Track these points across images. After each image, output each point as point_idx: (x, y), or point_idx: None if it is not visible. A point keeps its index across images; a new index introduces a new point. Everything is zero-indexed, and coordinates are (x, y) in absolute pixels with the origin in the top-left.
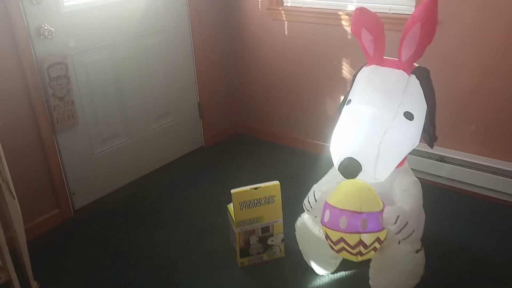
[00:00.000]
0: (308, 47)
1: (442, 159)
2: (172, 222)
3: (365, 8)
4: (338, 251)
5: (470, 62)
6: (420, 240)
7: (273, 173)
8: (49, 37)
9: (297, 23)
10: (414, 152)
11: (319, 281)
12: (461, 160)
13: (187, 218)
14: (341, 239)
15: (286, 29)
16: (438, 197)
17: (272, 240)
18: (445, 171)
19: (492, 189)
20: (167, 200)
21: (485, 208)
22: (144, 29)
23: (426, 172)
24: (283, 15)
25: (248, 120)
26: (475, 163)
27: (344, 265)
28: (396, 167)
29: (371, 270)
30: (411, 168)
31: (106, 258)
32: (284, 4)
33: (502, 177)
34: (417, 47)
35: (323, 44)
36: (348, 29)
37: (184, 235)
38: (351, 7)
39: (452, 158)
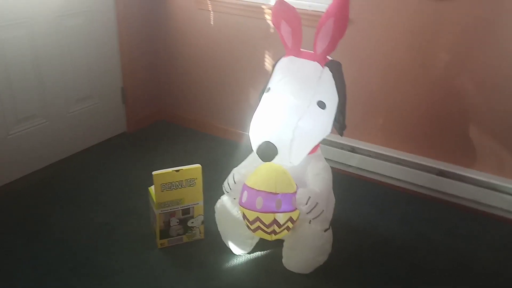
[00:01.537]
0: (232, 38)
1: (353, 149)
2: (91, 205)
3: (285, 1)
4: (254, 230)
5: (380, 60)
6: (330, 221)
7: (195, 159)
8: None
9: (223, 13)
10: (328, 143)
11: (236, 261)
12: (370, 151)
13: (107, 201)
14: (257, 219)
15: (212, 19)
16: (348, 185)
17: (192, 222)
18: (355, 161)
19: (396, 178)
20: (86, 184)
21: (389, 195)
22: (66, 9)
23: (338, 162)
24: (209, 5)
25: (172, 107)
26: (382, 154)
27: (260, 245)
28: (310, 153)
29: (284, 249)
30: (325, 158)
31: (21, 240)
32: None
33: (405, 168)
34: (330, 41)
35: (247, 36)
36: (271, 22)
37: (104, 218)
38: (274, 2)
39: (362, 149)
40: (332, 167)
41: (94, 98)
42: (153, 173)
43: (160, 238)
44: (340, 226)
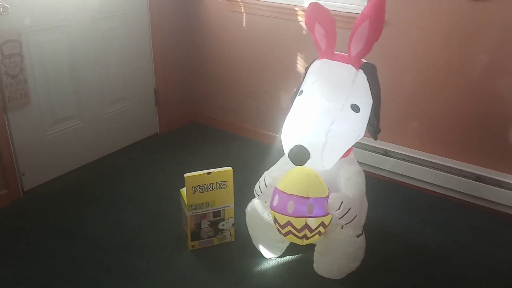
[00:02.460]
0: (265, 40)
1: (386, 153)
2: (124, 206)
3: (318, 3)
4: (285, 235)
5: (415, 63)
6: (362, 226)
7: (226, 161)
8: (4, 13)
9: (255, 16)
10: (361, 146)
11: (266, 264)
12: (404, 154)
13: (140, 202)
14: (288, 223)
15: (244, 21)
16: (381, 189)
17: (223, 225)
18: (388, 165)
19: (431, 183)
20: (119, 184)
21: (423, 200)
22: (102, 12)
23: (371, 165)
24: (242, 7)
25: (204, 109)
26: (417, 158)
27: (291, 249)
28: (342, 157)
29: (315, 254)
30: (358, 161)
31: (55, 239)
32: None
33: (441, 172)
34: (365, 43)
35: (280, 38)
36: (304, 24)
37: (136, 218)
38: (307, 4)
39: (396, 152)
40: (365, 171)
41: (128, 100)
42: (185, 175)
43: (191, 240)
44: (373, 231)
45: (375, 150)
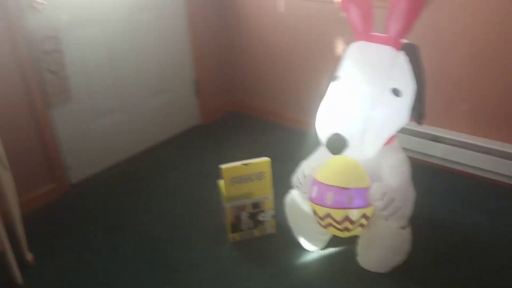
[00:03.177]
0: (304, 25)
1: (436, 138)
2: (167, 198)
3: None
4: (325, 227)
5: (462, 40)
6: (409, 218)
7: (267, 150)
8: (41, 10)
9: (292, 0)
10: (408, 132)
11: (308, 257)
12: (455, 140)
13: (182, 194)
14: (328, 215)
15: (282, 6)
16: (430, 177)
17: (263, 216)
18: (438, 151)
19: (485, 169)
20: (162, 176)
21: (477, 188)
22: (139, 5)
23: (419, 152)
24: None
25: (244, 98)
26: (469, 143)
27: (333, 241)
28: (385, 144)
29: (358, 247)
30: (405, 148)
31: (101, 232)
32: None
33: (495, 157)
34: (404, 22)
35: (319, 22)
36: None
37: (178, 210)
38: None
39: (446, 138)
40: (412, 158)
41: (168, 91)
42: (222, 167)
43: (232, 232)
44: (422, 222)
45: (423, 135)
